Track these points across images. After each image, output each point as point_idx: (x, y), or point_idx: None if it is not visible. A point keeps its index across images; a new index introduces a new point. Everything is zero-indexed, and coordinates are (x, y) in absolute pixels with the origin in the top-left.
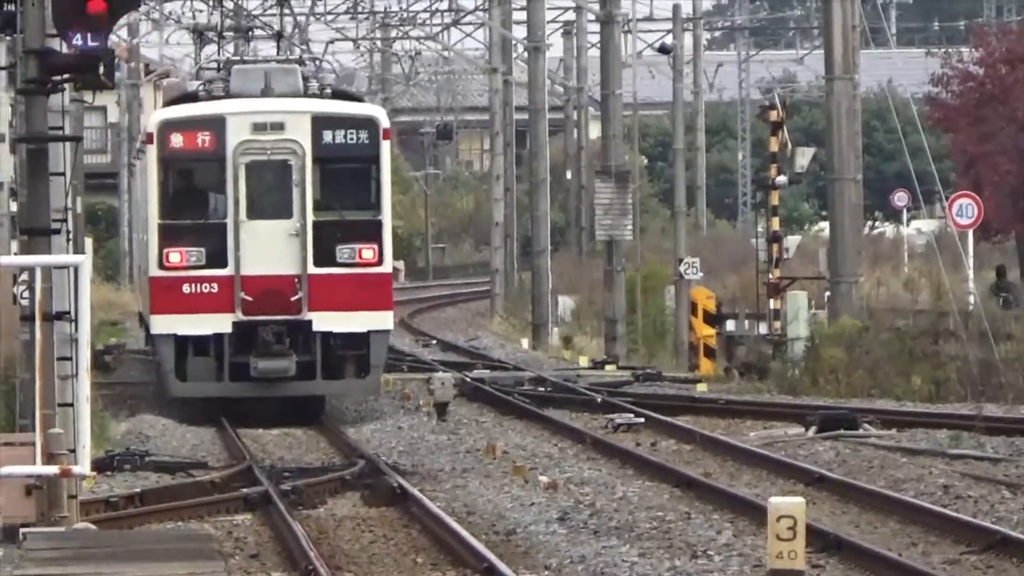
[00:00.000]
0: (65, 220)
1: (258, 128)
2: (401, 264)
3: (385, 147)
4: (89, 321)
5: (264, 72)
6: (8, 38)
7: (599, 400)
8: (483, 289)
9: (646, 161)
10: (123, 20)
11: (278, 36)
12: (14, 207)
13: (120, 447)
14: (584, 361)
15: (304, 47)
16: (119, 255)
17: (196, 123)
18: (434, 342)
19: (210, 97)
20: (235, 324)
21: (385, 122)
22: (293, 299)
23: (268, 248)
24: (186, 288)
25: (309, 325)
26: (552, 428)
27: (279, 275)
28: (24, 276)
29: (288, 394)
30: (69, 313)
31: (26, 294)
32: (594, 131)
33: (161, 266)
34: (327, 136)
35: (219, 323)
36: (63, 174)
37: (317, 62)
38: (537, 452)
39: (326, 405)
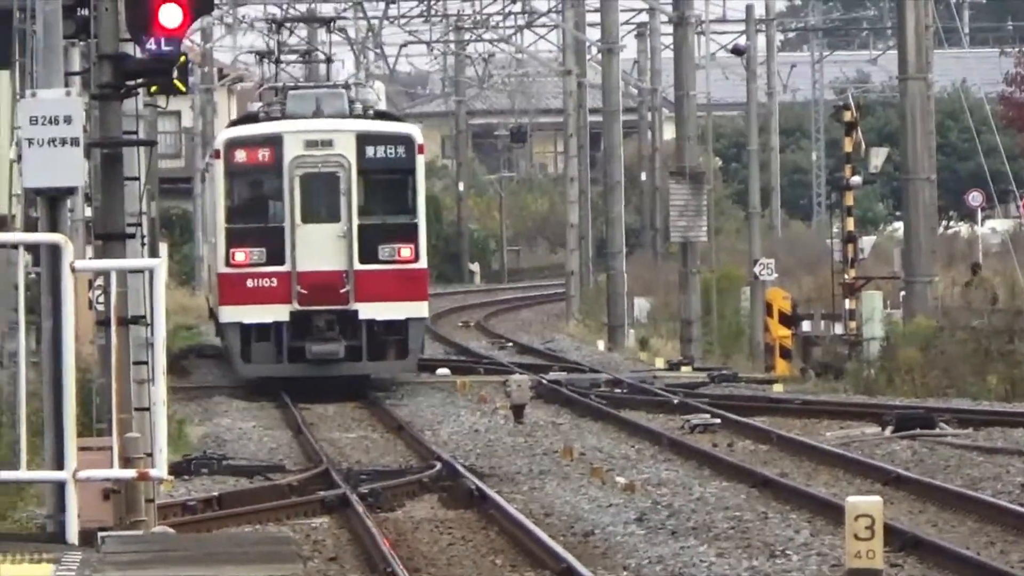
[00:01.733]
0: (140, 224)
1: (310, 144)
2: (476, 267)
3: (420, 160)
4: (164, 325)
5: (315, 96)
6: (82, 43)
7: (675, 401)
8: (559, 291)
9: (720, 162)
10: (196, 24)
11: (328, 61)
12: (89, 212)
13: (197, 451)
14: (660, 363)
15: (378, 51)
16: (194, 259)
17: (257, 141)
18: (510, 344)
19: (269, 118)
20: (292, 313)
21: (419, 139)
22: (342, 291)
23: (320, 248)
24: (249, 283)
25: (356, 314)
26: (629, 429)
27: (329, 271)
28: (99, 281)
29: (338, 374)
30: (145, 317)
31: (102, 299)
32: (668, 132)
33: (228, 264)
34: (370, 151)
35: (278, 312)
36: (137, 179)
37: (367, 82)
38: (614, 453)
39: (408, 412)
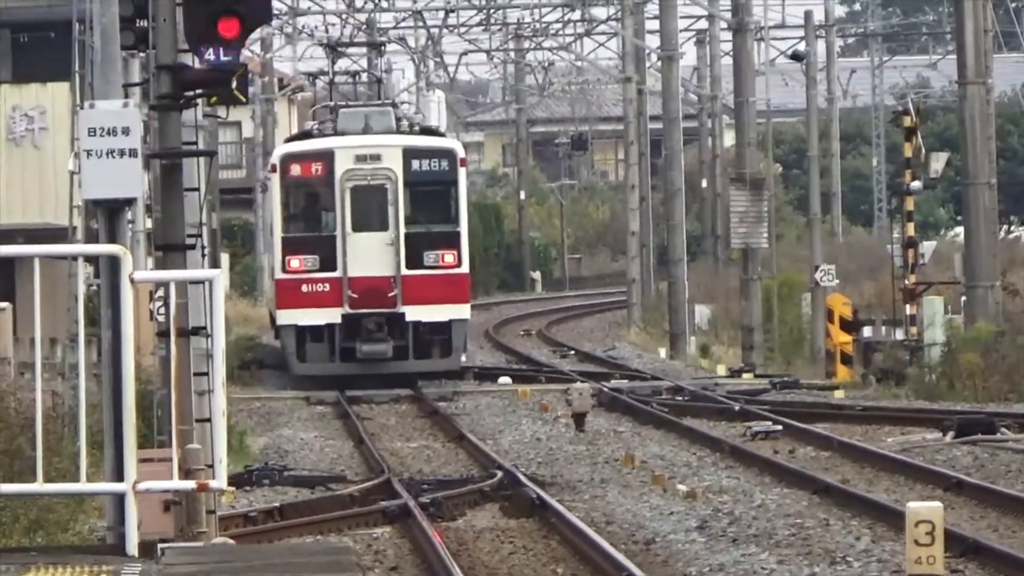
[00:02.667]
0: (200, 235)
1: (360, 159)
2: (538, 275)
3: (462, 173)
4: (224, 336)
5: (364, 114)
6: (141, 54)
7: (737, 408)
8: (620, 299)
9: (780, 168)
10: (256, 34)
11: (378, 81)
12: (149, 223)
13: (258, 462)
14: (721, 370)
15: (438, 59)
16: (255, 270)
17: (311, 156)
18: (572, 352)
19: (322, 134)
20: (344, 316)
21: (461, 153)
22: (390, 295)
23: (369, 255)
24: (304, 288)
25: (403, 316)
26: (690, 437)
27: (378, 276)
28: (160, 292)
29: (387, 371)
30: (205, 328)
31: (162, 310)
32: (728, 139)
33: (284, 270)
34: (415, 164)
35: (331, 315)
36: (197, 189)
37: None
38: (675, 461)
39: (469, 421)
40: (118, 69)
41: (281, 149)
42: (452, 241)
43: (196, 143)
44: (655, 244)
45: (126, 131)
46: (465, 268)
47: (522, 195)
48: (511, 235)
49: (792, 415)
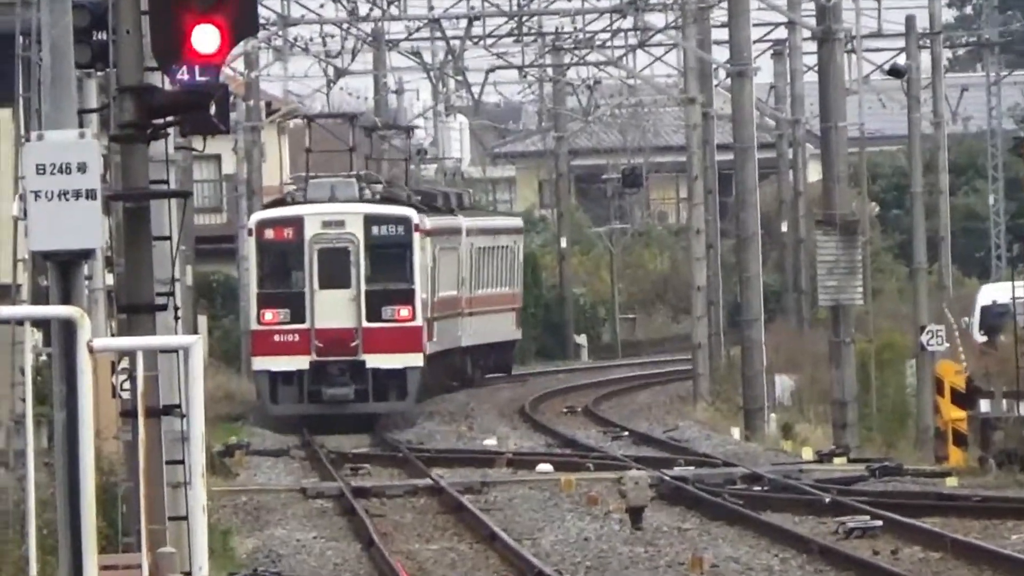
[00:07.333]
0: (172, 294)
1: (326, 224)
2: (583, 339)
3: (416, 237)
4: (203, 416)
5: (331, 184)
6: (100, 73)
7: (827, 500)
8: (683, 368)
9: (877, 208)
10: (238, 49)
11: (351, 150)
12: (110, 279)
13: (246, 568)
14: (808, 453)
15: (459, 78)
16: (238, 334)
17: (283, 221)
18: (625, 434)
19: (294, 202)
20: (311, 363)
21: (416, 219)
22: (352, 345)
23: (334, 309)
24: (277, 338)
25: (363, 363)
26: (771, 535)
27: (342, 328)
28: (124, 363)
29: (349, 412)
30: (179, 407)
31: (127, 385)
32: (813, 173)
33: (259, 322)
34: (375, 230)
35: (300, 362)
36: (169, 238)
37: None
38: (753, 565)
39: (502, 517)
40: (72, 92)
41: (256, 216)
42: (407, 297)
43: (167, 182)
44: (725, 301)
45: (82, 168)
46: (419, 322)
47: (563, 242)
48: (551, 291)
49: (895, 508)
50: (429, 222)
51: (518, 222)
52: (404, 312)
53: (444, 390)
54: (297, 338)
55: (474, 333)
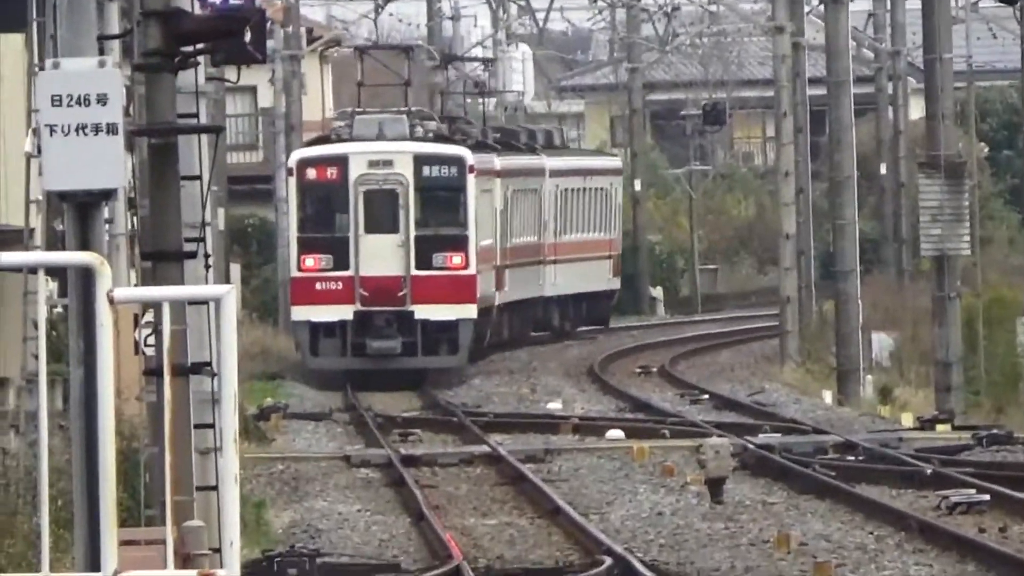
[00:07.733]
0: (202, 239)
1: (373, 164)
2: (659, 292)
3: (470, 179)
4: (236, 375)
5: (379, 121)
6: None
7: (929, 472)
8: (770, 324)
9: (987, 149)
10: None
11: (407, 83)
12: (134, 223)
13: (282, 545)
14: (908, 420)
15: (522, 2)
16: (276, 283)
17: (326, 160)
18: (705, 397)
19: (339, 139)
20: (355, 313)
21: (471, 160)
22: (400, 294)
23: (380, 255)
24: (318, 286)
25: (412, 314)
26: (866, 510)
27: (389, 276)
28: (148, 316)
29: (395, 367)
30: (209, 365)
31: (151, 340)
32: (916, 110)
33: (299, 269)
34: (426, 170)
35: (343, 312)
36: (199, 177)
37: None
38: (846, 543)
39: (566, 488)
40: (91, 16)
41: (297, 154)
42: (460, 244)
43: (197, 116)
44: (818, 251)
45: (102, 99)
46: (472, 270)
47: (637, 185)
48: (624, 239)
49: (1004, 480)
50: (500, 162)
51: (616, 162)
52: (456, 260)
53: (520, 344)
54: (340, 286)
55: (560, 282)
